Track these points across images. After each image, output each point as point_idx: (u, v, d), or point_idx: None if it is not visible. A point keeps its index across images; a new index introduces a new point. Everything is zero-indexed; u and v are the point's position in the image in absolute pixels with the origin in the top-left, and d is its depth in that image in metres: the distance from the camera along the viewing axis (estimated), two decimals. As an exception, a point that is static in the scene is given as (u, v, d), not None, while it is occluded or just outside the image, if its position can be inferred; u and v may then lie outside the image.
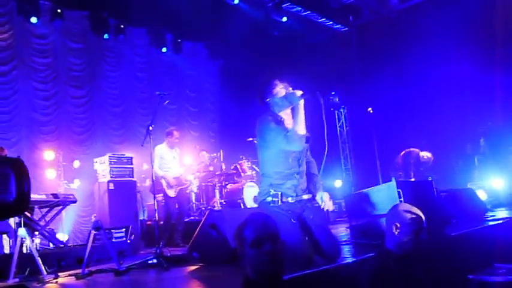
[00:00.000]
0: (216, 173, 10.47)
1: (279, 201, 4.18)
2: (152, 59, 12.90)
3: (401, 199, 4.91)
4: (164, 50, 12.63)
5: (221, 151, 10.88)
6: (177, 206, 8.61)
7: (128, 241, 7.58)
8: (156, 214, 6.57)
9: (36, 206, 7.10)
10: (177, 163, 8.80)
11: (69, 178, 10.05)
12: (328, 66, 12.36)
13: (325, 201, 4.35)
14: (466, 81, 10.94)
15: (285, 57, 12.99)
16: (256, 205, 5.69)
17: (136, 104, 12.33)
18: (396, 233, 3.35)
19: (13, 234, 6.45)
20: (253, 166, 10.23)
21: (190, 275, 4.92)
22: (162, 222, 8.35)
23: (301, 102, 4.17)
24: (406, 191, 5.04)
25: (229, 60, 13.68)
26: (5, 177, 3.11)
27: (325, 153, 4.28)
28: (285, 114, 4.35)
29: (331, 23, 13.63)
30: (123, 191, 8.89)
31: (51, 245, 7.41)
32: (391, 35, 12.55)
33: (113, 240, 7.22)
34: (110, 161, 8.87)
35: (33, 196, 6.85)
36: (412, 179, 9.60)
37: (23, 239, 5.55)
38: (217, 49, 13.73)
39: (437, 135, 10.86)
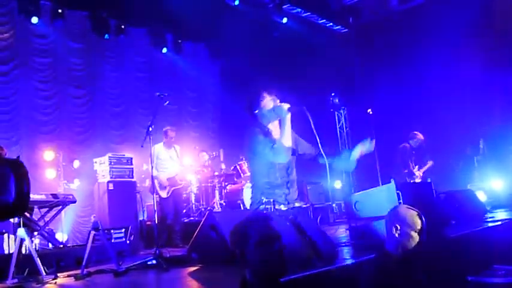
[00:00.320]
0: (216, 174, 10.48)
1: (272, 207, 4.23)
2: (152, 59, 12.89)
3: (401, 200, 4.91)
4: (164, 50, 12.63)
5: (221, 150, 10.88)
6: (171, 207, 8.61)
7: (128, 242, 7.59)
8: (156, 215, 6.57)
9: (35, 206, 7.10)
10: (175, 163, 8.78)
11: (69, 178, 10.05)
12: (328, 67, 12.37)
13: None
14: (466, 82, 10.94)
15: (285, 58, 12.99)
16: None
17: (136, 104, 12.32)
18: (396, 234, 3.35)
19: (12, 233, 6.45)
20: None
21: (189, 276, 4.91)
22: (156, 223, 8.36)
23: (288, 115, 4.24)
24: (406, 192, 5.05)
25: (230, 60, 13.67)
26: (4, 178, 3.11)
27: (326, 163, 4.36)
28: (273, 126, 4.42)
29: (331, 24, 13.65)
30: (123, 192, 8.90)
31: (50, 245, 7.41)
32: (391, 36, 12.56)
33: (112, 240, 7.24)
34: (110, 162, 8.89)
35: (33, 196, 6.84)
36: (417, 172, 9.56)
37: (22, 240, 5.55)
38: (218, 50, 13.72)
39: (437, 137, 10.85)
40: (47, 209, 7.36)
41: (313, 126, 4.35)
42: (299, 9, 12.61)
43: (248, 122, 4.54)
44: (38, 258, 5.31)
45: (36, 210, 7.21)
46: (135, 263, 5.71)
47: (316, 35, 13.21)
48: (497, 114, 10.48)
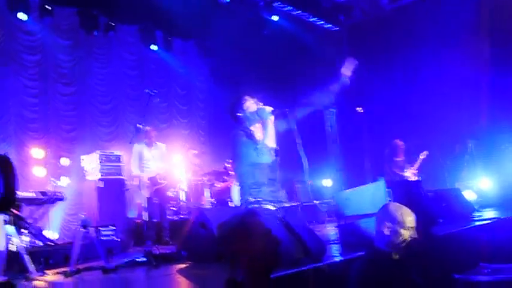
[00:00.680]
0: (206, 172, 10.48)
1: (260, 207, 4.29)
2: (142, 57, 12.82)
3: (390, 198, 4.94)
4: (154, 47, 12.56)
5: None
6: (156, 205, 8.57)
7: (117, 239, 7.56)
8: (146, 212, 6.56)
9: (24, 204, 7.06)
10: (157, 162, 8.66)
11: (58, 176, 9.98)
12: (319, 65, 12.38)
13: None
14: (456, 81, 11.00)
15: (276, 56, 12.99)
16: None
17: (125, 102, 12.26)
18: (386, 232, 3.37)
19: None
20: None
21: (179, 273, 4.92)
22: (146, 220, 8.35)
23: (271, 117, 4.33)
24: (395, 190, 5.09)
25: (220, 58, 13.64)
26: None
27: (305, 166, 4.43)
28: (255, 128, 4.50)
29: (322, 22, 13.66)
30: (112, 189, 8.89)
31: (39, 242, 7.37)
32: (382, 34, 12.61)
33: (102, 238, 7.20)
34: (99, 159, 8.85)
35: (21, 194, 6.83)
36: (409, 172, 9.57)
37: (11, 237, 5.52)
38: (208, 47, 13.67)
39: (426, 135, 10.92)
40: (36, 206, 7.32)
41: (295, 128, 4.43)
42: (290, 7, 12.61)
43: (232, 125, 4.63)
44: (26, 256, 5.29)
45: (25, 207, 7.17)
46: (124, 260, 5.70)
47: (307, 33, 13.23)
48: (486, 114, 10.55)
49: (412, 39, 11.96)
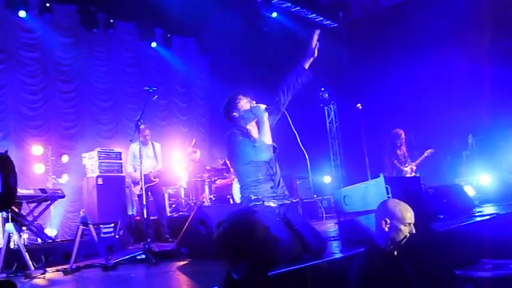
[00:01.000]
0: (206, 169, 10.47)
1: (261, 204, 4.30)
2: (141, 54, 12.83)
3: (390, 195, 4.93)
4: (154, 44, 12.55)
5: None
6: (151, 203, 8.56)
7: (117, 236, 7.56)
8: (145, 209, 6.55)
9: (24, 201, 7.06)
10: (151, 160, 8.64)
11: (58, 173, 9.97)
12: (318, 62, 12.34)
13: None
14: (455, 77, 11.00)
15: (275, 53, 12.98)
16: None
17: (125, 99, 12.26)
18: (386, 228, 3.36)
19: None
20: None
21: (178, 270, 4.92)
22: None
23: (266, 114, 4.35)
24: (394, 186, 5.07)
25: (219, 55, 13.64)
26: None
27: (308, 162, 4.45)
28: (251, 126, 4.52)
29: (321, 18, 13.65)
30: (112, 186, 8.88)
31: (39, 240, 7.37)
32: (381, 31, 12.61)
33: (102, 235, 7.19)
34: (99, 156, 8.85)
35: (21, 191, 6.82)
36: (408, 168, 9.51)
37: (11, 234, 5.52)
38: (207, 44, 13.66)
39: (426, 131, 10.92)
40: (36, 203, 7.32)
41: (292, 125, 4.46)
42: (289, 4, 12.60)
43: (227, 125, 4.65)
44: (26, 253, 5.29)
45: (24, 205, 7.16)
46: (124, 258, 5.70)
47: (305, 29, 13.20)
48: (486, 109, 10.54)
49: (411, 35, 11.95)
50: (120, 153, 9.23)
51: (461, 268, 4.38)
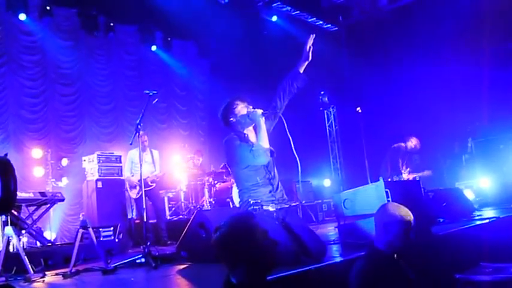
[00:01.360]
0: (206, 172, 10.47)
1: (260, 208, 4.31)
2: (142, 57, 12.83)
3: (389, 198, 4.93)
4: (154, 48, 12.57)
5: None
6: (148, 207, 8.55)
7: (116, 240, 7.55)
8: (145, 213, 6.54)
9: (23, 205, 7.06)
10: (148, 166, 8.62)
11: (57, 176, 9.97)
12: (318, 65, 12.34)
13: None
14: (455, 80, 11.01)
15: (275, 56, 12.99)
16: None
17: (125, 102, 12.27)
18: (386, 232, 3.35)
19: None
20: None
21: (178, 274, 4.91)
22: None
23: (263, 119, 4.37)
24: (394, 190, 5.07)
25: (219, 58, 13.65)
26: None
27: (299, 168, 4.47)
28: (249, 131, 4.55)
29: (321, 22, 13.68)
30: (112, 190, 8.88)
31: (38, 243, 7.36)
32: (381, 35, 12.62)
33: (101, 239, 7.19)
34: (99, 160, 8.86)
35: (21, 194, 6.82)
36: (405, 174, 9.51)
37: (10, 238, 5.51)
38: (207, 47, 13.68)
39: (426, 135, 10.90)
40: (35, 207, 7.32)
41: (287, 130, 4.47)
42: (289, 8, 12.62)
43: (225, 130, 4.67)
44: (25, 257, 5.28)
45: (24, 208, 7.16)
46: (123, 261, 5.68)
47: (305, 33, 13.19)
48: (485, 113, 10.55)
49: (411, 39, 11.97)
50: (120, 156, 9.23)
51: (461, 272, 4.38)
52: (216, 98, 13.29)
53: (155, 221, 8.63)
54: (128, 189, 8.60)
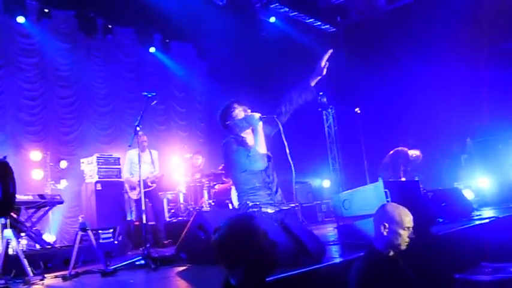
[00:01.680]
0: (205, 174, 10.47)
1: (259, 211, 4.31)
2: (140, 59, 12.83)
3: (389, 199, 4.93)
4: (152, 50, 12.58)
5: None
6: (148, 208, 8.55)
7: (116, 242, 7.54)
8: (144, 215, 6.54)
9: (22, 207, 7.06)
10: (148, 166, 8.62)
11: (56, 178, 9.97)
12: (316, 66, 12.33)
13: None
14: (453, 80, 11.00)
15: (273, 58, 13.00)
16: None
17: (124, 104, 12.26)
18: (385, 232, 3.36)
19: None
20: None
21: (178, 275, 4.91)
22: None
23: (260, 123, 4.35)
24: (393, 190, 5.07)
25: (218, 60, 13.66)
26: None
27: (293, 174, 4.45)
28: (246, 134, 4.54)
29: (319, 23, 13.67)
30: (111, 192, 8.87)
31: (37, 246, 7.35)
32: (379, 35, 12.61)
33: (100, 241, 7.18)
34: (98, 162, 8.84)
35: (20, 197, 6.81)
36: (403, 179, 9.56)
37: (9, 240, 5.50)
38: (206, 49, 13.68)
39: (425, 135, 10.92)
40: (34, 209, 7.31)
41: (283, 135, 4.46)
42: (286, 9, 12.61)
43: (224, 132, 4.66)
44: (25, 259, 5.27)
45: (23, 210, 7.15)
46: (123, 263, 5.68)
47: (303, 34, 13.23)
48: (484, 113, 10.56)
49: (409, 39, 11.95)
50: (118, 158, 9.22)
51: (460, 272, 4.38)
52: (215, 100, 13.32)
53: (154, 222, 8.63)
54: (128, 190, 8.58)
